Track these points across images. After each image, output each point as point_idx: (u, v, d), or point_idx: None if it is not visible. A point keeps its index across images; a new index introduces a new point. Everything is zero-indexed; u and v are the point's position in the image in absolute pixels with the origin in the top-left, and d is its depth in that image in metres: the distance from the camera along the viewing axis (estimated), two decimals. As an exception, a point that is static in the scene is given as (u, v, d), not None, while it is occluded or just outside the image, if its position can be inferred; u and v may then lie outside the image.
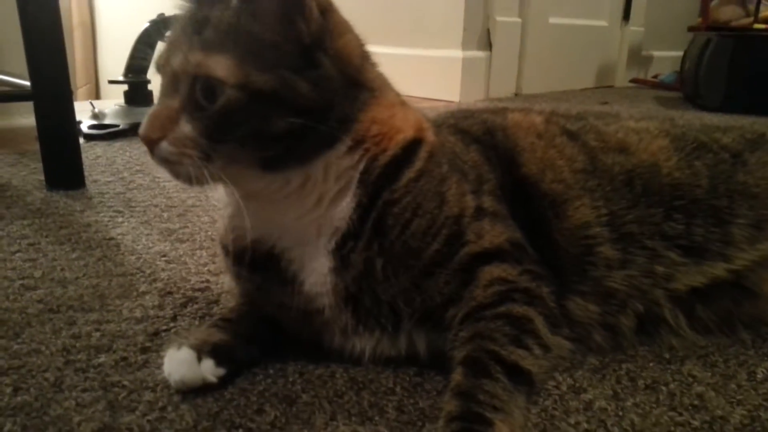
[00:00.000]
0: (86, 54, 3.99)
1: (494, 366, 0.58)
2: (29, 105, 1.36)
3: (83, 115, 2.00)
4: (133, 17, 2.35)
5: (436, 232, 0.65)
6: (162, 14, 1.90)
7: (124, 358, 0.69)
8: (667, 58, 4.00)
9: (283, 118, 0.58)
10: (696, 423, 0.59)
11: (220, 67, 0.57)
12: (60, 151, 1.36)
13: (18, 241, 1.05)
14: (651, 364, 0.70)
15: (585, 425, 0.59)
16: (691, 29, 3.00)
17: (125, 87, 2.19)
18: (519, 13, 2.97)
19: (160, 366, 0.66)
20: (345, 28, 0.65)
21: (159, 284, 0.90)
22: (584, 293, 0.71)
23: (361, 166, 0.64)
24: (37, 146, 1.37)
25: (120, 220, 1.18)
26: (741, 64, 2.59)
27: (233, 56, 0.57)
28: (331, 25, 0.62)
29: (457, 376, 0.58)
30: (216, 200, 0.78)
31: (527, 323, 0.63)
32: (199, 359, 0.63)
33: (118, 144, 1.81)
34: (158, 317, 0.80)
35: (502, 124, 0.81)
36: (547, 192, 0.73)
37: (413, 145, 0.67)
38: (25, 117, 1.88)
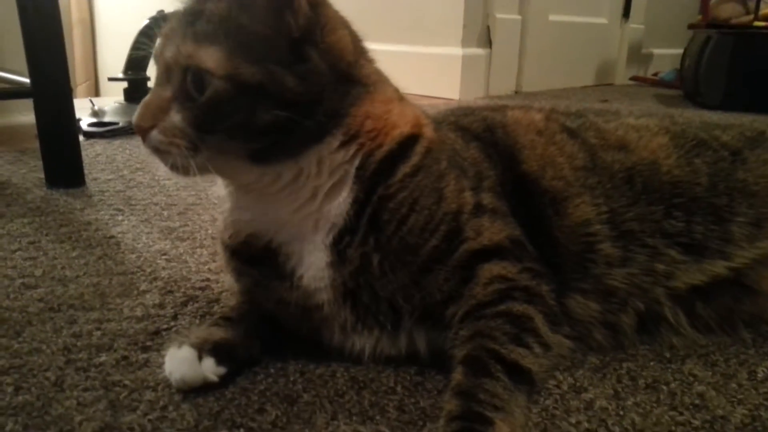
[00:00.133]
0: (86, 51, 3.99)
1: (494, 365, 0.58)
2: (29, 102, 1.35)
3: (83, 112, 2.00)
4: (132, 14, 2.34)
5: (434, 228, 0.64)
6: (161, 11, 1.88)
7: (125, 357, 0.69)
8: (667, 55, 3.99)
9: (269, 111, 0.59)
10: (697, 422, 0.60)
11: (210, 58, 0.58)
12: (60, 148, 1.36)
13: (18, 239, 1.05)
14: (652, 363, 0.70)
15: (586, 424, 0.59)
16: (691, 27, 2.99)
17: (125, 84, 2.18)
18: (519, 10, 2.97)
19: (161, 365, 0.66)
20: (338, 23, 0.65)
21: (159, 283, 0.90)
22: (585, 291, 0.71)
23: (356, 162, 0.64)
24: (36, 144, 1.37)
25: (120, 218, 1.18)
26: (741, 62, 2.59)
27: (223, 48, 0.58)
28: (322, 19, 0.62)
29: (458, 375, 0.58)
30: (216, 198, 0.78)
31: (527, 321, 0.63)
32: (200, 358, 0.63)
33: (117, 142, 1.80)
34: (159, 316, 0.80)
35: (502, 122, 0.81)
36: (547, 189, 0.73)
37: (410, 140, 0.67)
38: (24, 114, 1.88)
